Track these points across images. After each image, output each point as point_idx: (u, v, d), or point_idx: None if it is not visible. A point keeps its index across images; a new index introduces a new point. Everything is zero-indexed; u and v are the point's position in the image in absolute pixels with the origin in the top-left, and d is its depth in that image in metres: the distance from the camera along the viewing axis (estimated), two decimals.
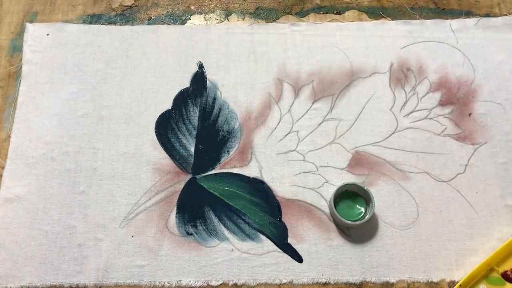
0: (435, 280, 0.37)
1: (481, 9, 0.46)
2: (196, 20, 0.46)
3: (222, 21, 0.46)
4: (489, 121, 0.41)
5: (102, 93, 0.42)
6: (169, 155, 0.40)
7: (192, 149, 0.40)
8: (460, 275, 0.35)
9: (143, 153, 0.40)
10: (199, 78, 0.43)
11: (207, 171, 0.40)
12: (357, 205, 0.38)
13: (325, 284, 0.37)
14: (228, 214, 0.38)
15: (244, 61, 0.44)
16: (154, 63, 0.44)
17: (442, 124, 0.41)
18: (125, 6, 0.46)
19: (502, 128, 0.41)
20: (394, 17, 0.46)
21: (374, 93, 0.42)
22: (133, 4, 0.46)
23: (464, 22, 0.45)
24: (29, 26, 0.44)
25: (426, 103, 0.42)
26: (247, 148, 0.41)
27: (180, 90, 0.43)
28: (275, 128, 0.41)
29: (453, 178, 0.39)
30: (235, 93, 0.42)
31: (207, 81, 0.43)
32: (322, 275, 0.37)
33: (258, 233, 0.38)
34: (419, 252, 0.37)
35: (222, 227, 0.38)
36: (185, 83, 0.43)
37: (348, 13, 0.46)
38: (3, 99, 0.42)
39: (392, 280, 0.37)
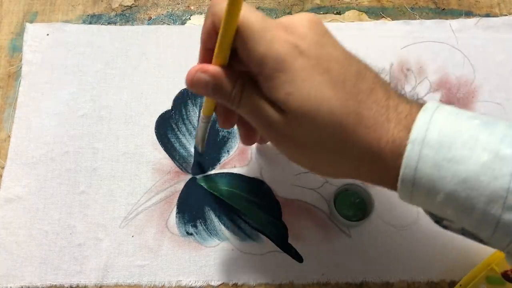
0: (435, 280, 0.37)
1: (481, 9, 0.46)
2: (196, 20, 0.46)
3: None
4: None
5: (102, 93, 0.42)
6: (169, 155, 0.40)
7: (192, 149, 0.40)
8: (460, 275, 0.35)
9: (143, 153, 0.40)
10: None
11: (207, 171, 0.40)
12: (357, 205, 0.38)
13: (326, 284, 0.37)
14: (228, 214, 0.38)
15: None
16: (154, 63, 0.44)
17: None
18: (125, 6, 0.46)
19: None
20: (394, 17, 0.46)
21: None
22: (133, 4, 0.46)
23: (464, 22, 0.45)
24: (29, 26, 0.44)
25: None
26: (247, 148, 0.41)
27: (180, 90, 0.43)
28: None
29: None
30: None
31: None
32: (323, 275, 0.37)
33: (258, 233, 0.38)
34: (419, 252, 0.37)
35: (222, 227, 0.38)
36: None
37: (348, 13, 0.46)
38: (3, 99, 0.42)
39: (392, 280, 0.37)
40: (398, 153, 0.25)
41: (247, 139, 0.35)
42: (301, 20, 0.26)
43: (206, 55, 0.29)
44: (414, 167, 0.24)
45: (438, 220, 0.27)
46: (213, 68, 0.28)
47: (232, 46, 0.27)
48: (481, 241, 0.26)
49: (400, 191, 0.26)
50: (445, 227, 0.27)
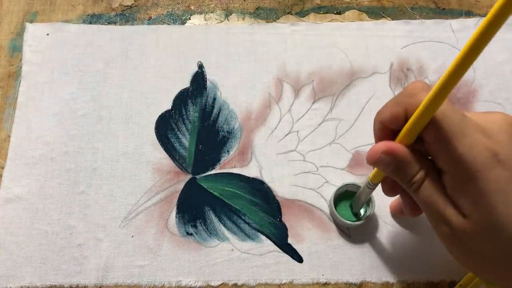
0: (435, 280, 0.36)
1: (481, 9, 0.46)
2: (196, 20, 0.46)
3: (222, 21, 0.46)
4: None
5: (102, 93, 0.42)
6: (169, 155, 0.40)
7: (192, 149, 0.40)
8: (460, 275, 0.35)
9: (143, 153, 0.40)
10: (199, 78, 0.43)
11: (207, 171, 0.40)
12: None
13: (325, 284, 0.37)
14: (228, 214, 0.38)
15: (244, 61, 0.44)
16: (154, 63, 0.44)
17: None
18: (125, 6, 0.46)
19: None
20: (394, 17, 0.46)
21: (374, 93, 0.42)
22: (133, 4, 0.46)
23: (465, 22, 0.45)
24: (29, 26, 0.44)
25: None
26: (247, 148, 0.41)
27: (180, 90, 0.43)
28: (275, 128, 0.41)
29: None
30: (235, 93, 0.42)
31: (207, 81, 0.43)
32: (322, 275, 0.37)
33: (258, 233, 0.38)
34: (419, 252, 0.37)
35: (222, 227, 0.38)
36: (185, 83, 0.43)
37: (348, 13, 0.46)
38: (3, 99, 0.42)
39: (392, 280, 0.37)
40: None
41: (412, 212, 0.32)
42: (499, 123, 0.26)
43: (383, 133, 0.29)
44: None
45: None
46: (401, 149, 0.27)
47: (422, 136, 0.26)
48: None
49: None
50: None
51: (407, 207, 0.31)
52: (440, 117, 0.25)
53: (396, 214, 0.37)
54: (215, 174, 0.40)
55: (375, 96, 0.42)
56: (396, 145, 0.27)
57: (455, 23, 0.45)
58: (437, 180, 0.27)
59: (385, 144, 0.27)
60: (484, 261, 0.26)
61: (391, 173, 0.28)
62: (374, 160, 0.28)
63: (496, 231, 0.25)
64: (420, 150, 0.27)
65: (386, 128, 0.28)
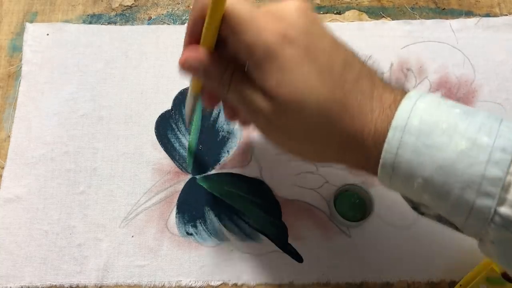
0: (435, 280, 0.37)
1: (482, 9, 0.46)
2: None
3: None
4: None
5: (102, 93, 0.42)
6: (169, 155, 0.40)
7: (192, 149, 0.40)
8: (460, 275, 0.35)
9: (143, 153, 0.40)
10: None
11: (207, 171, 0.40)
12: (357, 205, 0.38)
13: (326, 284, 0.37)
14: (228, 214, 0.38)
15: None
16: (154, 63, 0.43)
17: None
18: (125, 6, 0.46)
19: None
20: (394, 17, 0.46)
21: None
22: (133, 4, 0.46)
23: (465, 22, 0.45)
24: (29, 26, 0.44)
25: None
26: (247, 148, 0.41)
27: (180, 90, 0.43)
28: None
29: None
30: None
31: None
32: (323, 275, 0.37)
33: (258, 233, 0.38)
34: (419, 252, 0.37)
35: (222, 227, 0.38)
36: (185, 83, 0.43)
37: (348, 13, 0.46)
38: (3, 99, 0.42)
39: (392, 280, 0.37)
40: (380, 141, 0.26)
41: (231, 117, 0.34)
42: (290, 8, 0.27)
43: (192, 42, 0.29)
44: (394, 152, 0.25)
45: (415, 207, 0.28)
46: (204, 52, 0.28)
47: (222, 35, 0.27)
48: (456, 228, 0.27)
49: (380, 175, 0.27)
50: (422, 213, 0.28)
51: (225, 113, 0.34)
52: (230, 9, 0.26)
53: (230, 120, 0.37)
54: (215, 174, 0.40)
55: None
56: (200, 50, 0.28)
57: (455, 23, 0.45)
58: (244, 76, 0.27)
59: (189, 49, 0.28)
60: (291, 138, 0.28)
61: (202, 77, 0.30)
62: (182, 66, 0.29)
63: (299, 107, 0.26)
64: (228, 54, 0.28)
65: (195, 33, 0.29)
